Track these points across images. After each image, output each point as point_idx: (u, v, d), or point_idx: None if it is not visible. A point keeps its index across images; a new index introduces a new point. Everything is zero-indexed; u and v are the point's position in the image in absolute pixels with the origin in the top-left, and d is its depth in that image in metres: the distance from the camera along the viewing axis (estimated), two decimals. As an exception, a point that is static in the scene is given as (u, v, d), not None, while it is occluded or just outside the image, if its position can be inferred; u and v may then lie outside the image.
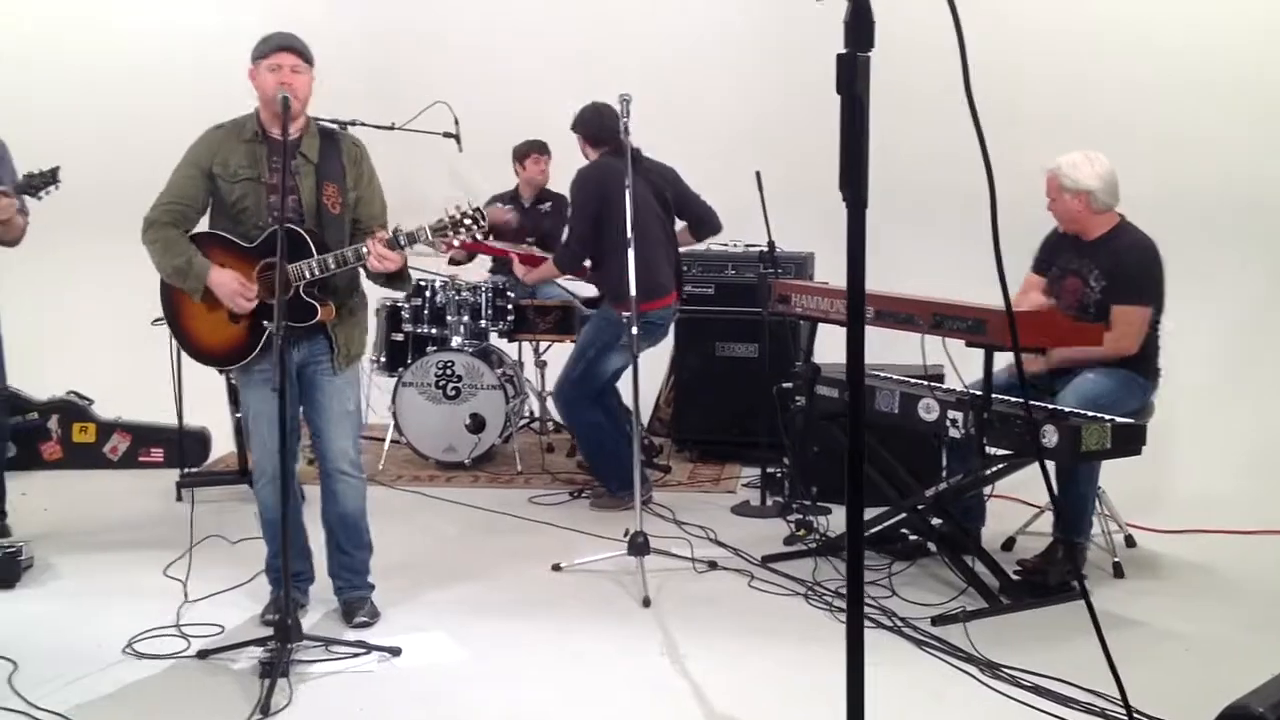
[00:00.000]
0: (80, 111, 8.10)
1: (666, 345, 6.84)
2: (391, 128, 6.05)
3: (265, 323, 4.17)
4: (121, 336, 6.94)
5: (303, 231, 4.13)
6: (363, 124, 5.70)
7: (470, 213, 4.16)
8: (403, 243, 4.13)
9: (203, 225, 4.34)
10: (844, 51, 2.12)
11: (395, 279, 4.35)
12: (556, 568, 5.09)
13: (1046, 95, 7.27)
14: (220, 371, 5.63)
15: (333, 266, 4.12)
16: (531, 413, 7.73)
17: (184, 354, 4.49)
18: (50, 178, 4.93)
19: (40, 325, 6.44)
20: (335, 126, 4.53)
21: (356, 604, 4.52)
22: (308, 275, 4.11)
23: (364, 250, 4.12)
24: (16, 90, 7.66)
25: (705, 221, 6.33)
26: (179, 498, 6.17)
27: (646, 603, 4.66)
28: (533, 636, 4.40)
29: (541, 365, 7.49)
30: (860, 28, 2.11)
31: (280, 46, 4.19)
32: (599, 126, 5.90)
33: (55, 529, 5.62)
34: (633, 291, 5.01)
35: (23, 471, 6.53)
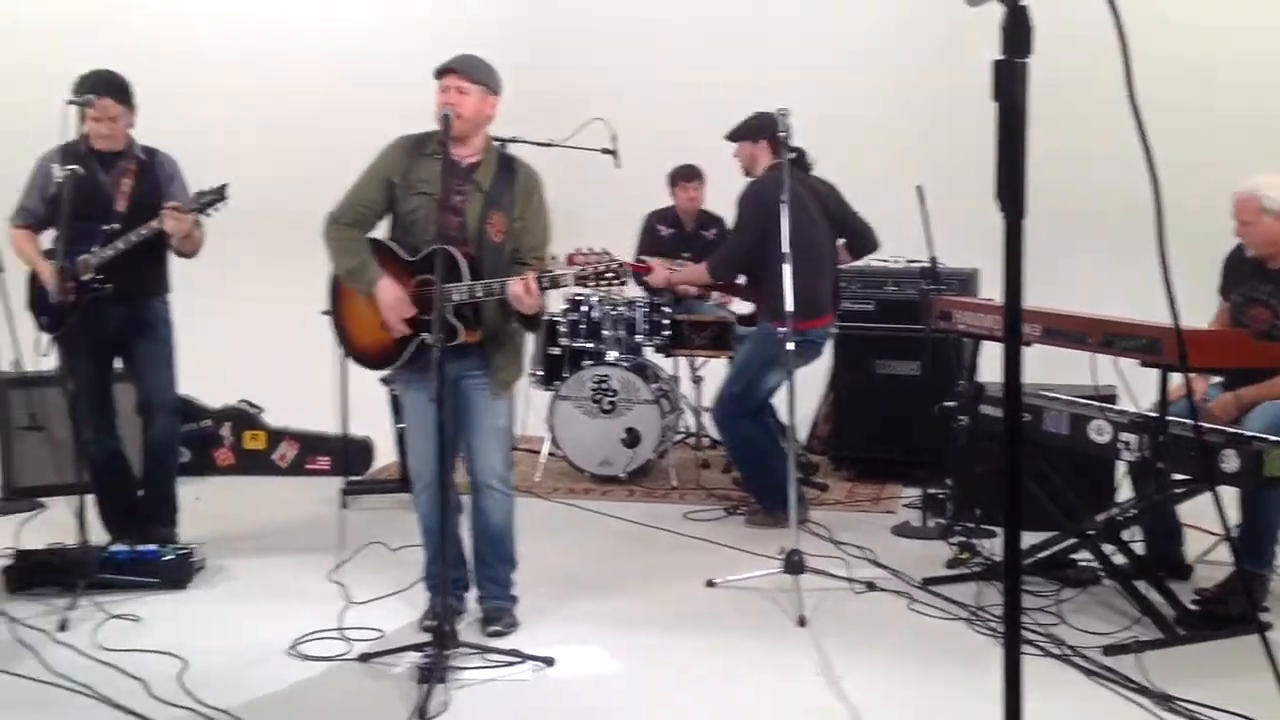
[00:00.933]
0: (249, 127, 8.39)
1: (825, 362, 6.75)
2: (549, 144, 6.10)
3: (424, 335, 4.25)
4: (290, 347, 7.13)
5: (460, 255, 4.19)
6: (521, 141, 5.77)
7: (615, 268, 4.19)
8: (545, 284, 4.16)
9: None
10: (1001, 58, 2.07)
11: (527, 320, 4.34)
12: (710, 584, 5.05)
13: (1237, 104, 6.98)
14: (382, 382, 5.74)
15: (480, 294, 4.18)
16: (687, 428, 7.71)
17: (341, 349, 4.61)
18: (219, 195, 5.08)
19: (213, 335, 6.66)
20: (516, 155, 4.58)
21: (495, 614, 4.55)
22: (454, 298, 4.18)
23: (506, 285, 4.16)
24: (187, 104, 7.94)
25: (864, 239, 6.21)
26: (343, 504, 6.31)
27: (802, 622, 4.59)
28: (686, 652, 4.36)
29: (697, 380, 7.47)
30: (1017, 32, 2.06)
31: (446, 68, 4.29)
32: (769, 132, 5.72)
33: (226, 532, 5.79)
34: (789, 307, 4.94)
35: (196, 477, 6.77)
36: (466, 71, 4.28)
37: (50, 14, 8.89)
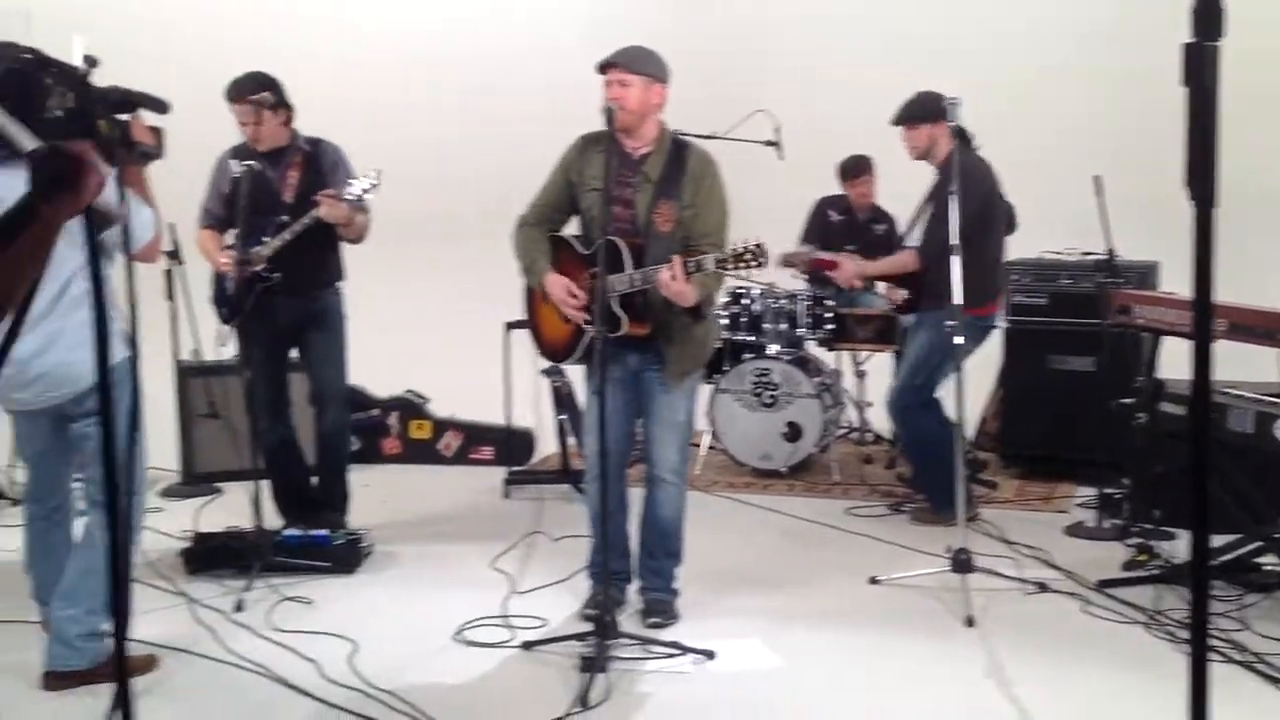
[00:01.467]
0: (440, 125, 8.54)
1: (994, 357, 6.57)
2: (711, 136, 6.05)
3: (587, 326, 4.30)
4: (457, 339, 7.27)
5: (624, 246, 4.19)
6: (683, 134, 5.71)
7: (752, 249, 4.12)
8: (690, 269, 4.12)
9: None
10: (1191, 40, 1.96)
11: (690, 310, 4.28)
12: (874, 581, 4.96)
13: None
14: (544, 374, 5.80)
15: (638, 283, 4.18)
16: (849, 423, 7.60)
17: (535, 345, 4.74)
18: (374, 180, 5.17)
19: (384, 326, 6.80)
20: (690, 141, 4.55)
21: (656, 606, 4.55)
22: (617, 289, 4.19)
23: (658, 272, 4.14)
24: (392, 100, 8.09)
25: (1012, 219, 6.04)
26: (505, 494, 6.39)
27: (970, 622, 4.47)
28: (848, 650, 4.29)
29: (860, 375, 7.36)
30: (1209, 14, 1.94)
31: (607, 63, 4.30)
32: (944, 113, 5.48)
33: (393, 519, 5.91)
34: (957, 298, 4.80)
35: (365, 464, 6.92)
36: (627, 64, 4.28)
37: (222, 17, 9.21)
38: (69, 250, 2.99)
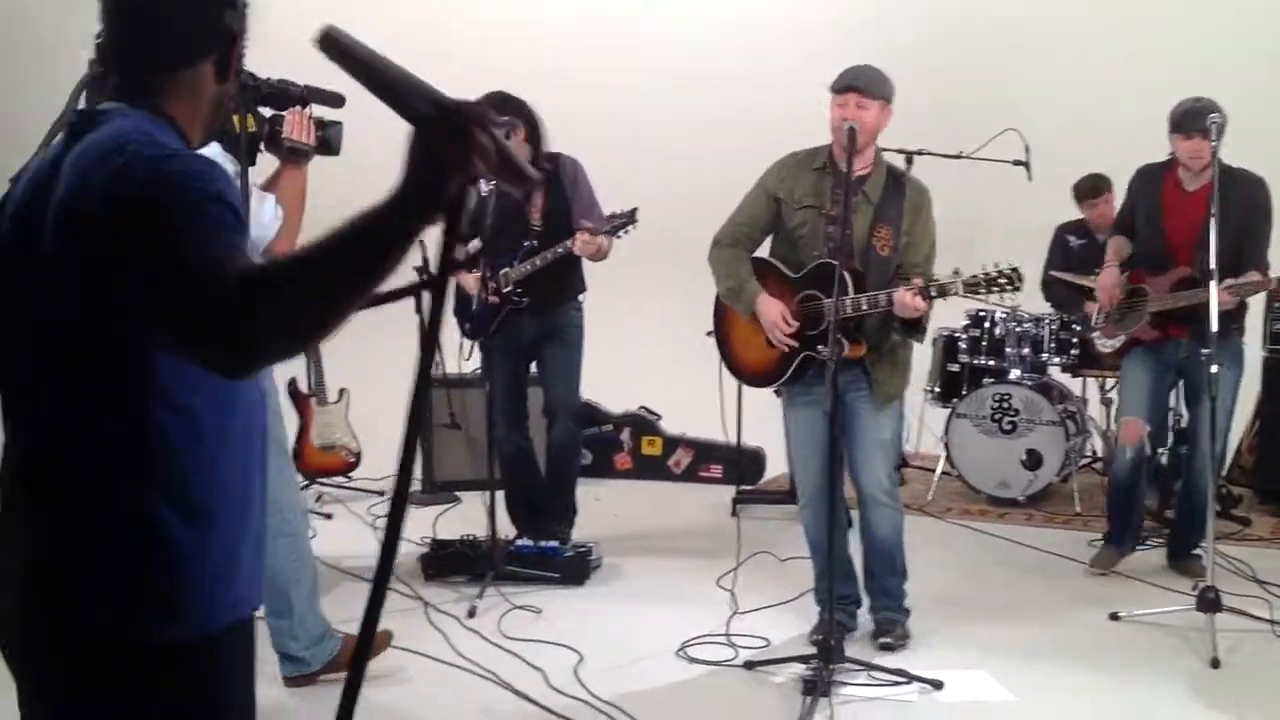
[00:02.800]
0: (670, 145, 8.64)
1: (1250, 388, 6.21)
2: (958, 156, 5.93)
3: (817, 349, 4.24)
4: (686, 357, 7.31)
5: (845, 270, 4.16)
6: (929, 153, 5.63)
7: (1008, 273, 4.01)
8: (933, 293, 4.05)
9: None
10: None
11: (911, 327, 4.25)
12: (1115, 616, 4.74)
13: None
14: (776, 393, 5.77)
15: (864, 307, 4.13)
16: (1094, 452, 7.31)
17: (724, 367, 4.67)
18: (630, 218, 5.26)
19: (618, 343, 6.91)
20: (904, 170, 4.50)
21: (886, 625, 4.48)
22: (848, 311, 4.15)
23: (893, 296, 4.09)
24: (594, 121, 8.25)
25: None
26: (733, 513, 6.39)
27: (1215, 664, 4.23)
28: (1085, 688, 4.13)
29: (1107, 403, 7.06)
30: None
31: (845, 86, 4.24)
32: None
33: (622, 533, 5.99)
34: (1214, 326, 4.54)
35: (597, 478, 7.04)
36: (867, 88, 4.23)
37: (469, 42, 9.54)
38: None
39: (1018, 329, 6.68)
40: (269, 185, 3.44)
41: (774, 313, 4.30)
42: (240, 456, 1.88)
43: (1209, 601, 4.41)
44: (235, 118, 2.57)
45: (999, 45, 8.30)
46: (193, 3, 1.89)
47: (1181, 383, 5.37)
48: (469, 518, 5.88)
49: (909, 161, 5.30)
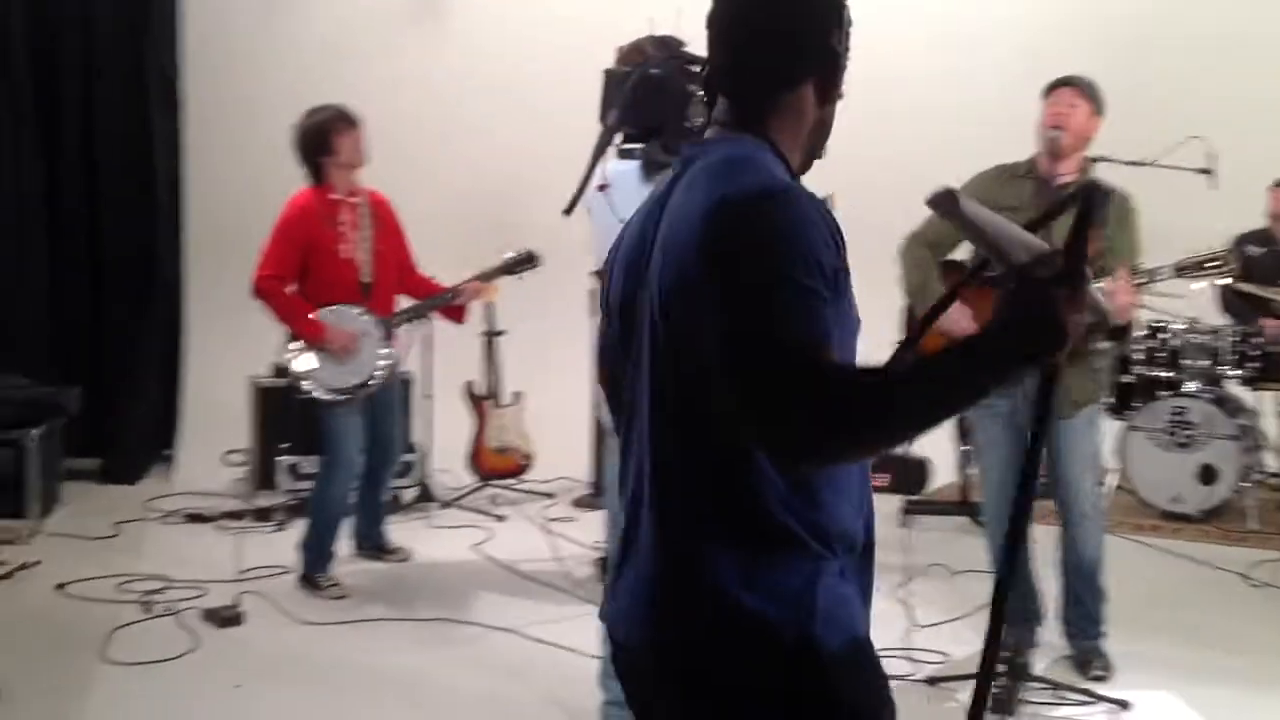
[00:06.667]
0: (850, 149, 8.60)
1: None
2: (1140, 163, 5.82)
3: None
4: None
5: None
6: (1110, 160, 5.54)
7: (1221, 254, 3.95)
8: (1143, 279, 3.98)
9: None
10: None
11: (1117, 331, 4.17)
12: (1305, 641, 4.66)
13: None
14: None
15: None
16: (1270, 467, 7.12)
17: None
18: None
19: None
20: (1106, 181, 4.44)
21: (1090, 654, 4.39)
22: None
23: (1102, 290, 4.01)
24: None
25: None
26: (902, 523, 6.37)
27: None
28: (1275, 714, 4.05)
29: (1281, 417, 6.87)
30: None
31: (1059, 82, 4.25)
32: None
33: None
34: None
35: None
36: (1080, 86, 4.23)
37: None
38: None
39: (1196, 340, 6.53)
40: None
41: (958, 317, 4.23)
42: None
43: None
44: None
45: (1183, 49, 8.09)
46: (807, 22, 1.83)
47: None
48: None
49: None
